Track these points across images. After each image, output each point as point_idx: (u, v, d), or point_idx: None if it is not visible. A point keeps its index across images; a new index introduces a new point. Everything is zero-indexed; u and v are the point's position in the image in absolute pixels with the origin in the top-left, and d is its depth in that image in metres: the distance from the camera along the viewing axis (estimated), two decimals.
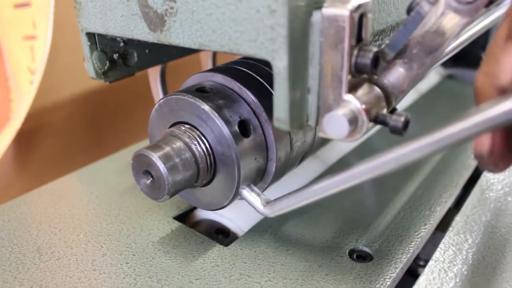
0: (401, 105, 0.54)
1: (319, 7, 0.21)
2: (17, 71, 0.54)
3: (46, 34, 0.50)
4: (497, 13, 0.48)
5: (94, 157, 0.50)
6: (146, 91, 0.41)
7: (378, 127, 0.24)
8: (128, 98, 0.60)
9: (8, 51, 0.54)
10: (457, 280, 0.28)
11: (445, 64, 0.69)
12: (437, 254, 0.30)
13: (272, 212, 0.28)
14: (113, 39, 0.32)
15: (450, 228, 0.33)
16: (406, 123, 0.23)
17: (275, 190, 0.34)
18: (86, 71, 0.33)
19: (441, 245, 0.31)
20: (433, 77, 0.65)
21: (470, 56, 0.67)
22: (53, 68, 0.51)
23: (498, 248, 0.31)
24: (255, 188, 0.30)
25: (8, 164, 0.55)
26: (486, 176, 0.39)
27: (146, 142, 0.46)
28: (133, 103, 0.61)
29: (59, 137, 0.59)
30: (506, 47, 0.23)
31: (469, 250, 0.30)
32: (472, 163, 0.41)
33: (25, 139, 0.53)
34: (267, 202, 0.29)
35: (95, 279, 0.28)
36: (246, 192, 0.29)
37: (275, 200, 0.28)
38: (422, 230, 0.32)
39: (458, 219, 0.34)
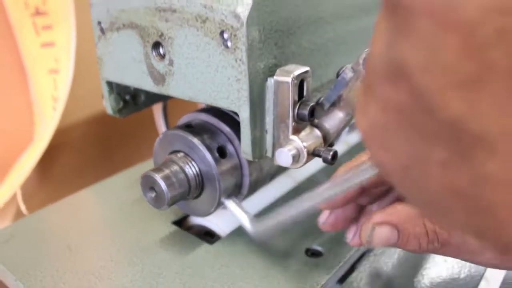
0: None
1: (272, 75, 0.31)
2: (41, 98, 0.63)
3: (68, 69, 0.59)
4: None
5: (106, 171, 0.59)
6: (150, 116, 0.51)
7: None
8: (135, 122, 0.70)
9: (34, 82, 0.64)
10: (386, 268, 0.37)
11: None
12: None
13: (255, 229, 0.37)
14: (126, 86, 0.41)
15: None
16: (334, 155, 0.32)
17: (252, 202, 0.43)
18: (98, 97, 0.42)
19: None
20: None
21: None
22: (71, 95, 0.61)
23: None
24: (237, 202, 0.39)
25: (32, 177, 0.64)
26: None
27: (149, 161, 0.55)
28: (139, 125, 0.71)
29: (75, 154, 0.69)
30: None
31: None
32: None
33: (46, 156, 0.62)
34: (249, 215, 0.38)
35: (112, 267, 0.38)
36: (228, 203, 0.39)
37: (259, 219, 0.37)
38: None
39: None
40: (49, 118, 0.61)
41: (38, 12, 0.58)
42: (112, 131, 0.70)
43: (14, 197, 0.58)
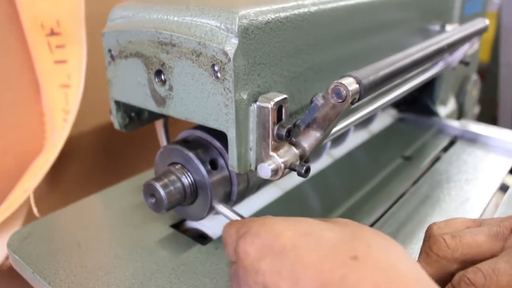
0: (354, 143, 0.69)
1: (255, 101, 0.37)
2: (53, 110, 0.69)
3: (78, 84, 0.65)
4: (435, 69, 0.64)
5: (111, 178, 0.65)
6: (152, 129, 0.56)
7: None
8: (138, 133, 0.75)
9: (46, 95, 0.69)
10: None
11: (400, 109, 0.84)
12: None
13: None
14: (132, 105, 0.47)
15: None
16: (307, 170, 0.38)
17: (242, 208, 0.49)
18: (105, 109, 0.48)
19: None
20: (387, 119, 0.80)
21: (419, 103, 0.82)
22: (80, 107, 0.66)
23: None
24: (225, 205, 0.45)
25: (42, 183, 0.69)
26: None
27: (150, 171, 0.61)
28: (142, 137, 0.76)
29: (83, 162, 0.74)
30: None
31: None
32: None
33: (55, 163, 0.68)
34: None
35: (116, 263, 0.43)
36: (219, 207, 0.44)
37: None
38: None
39: None
40: (60, 128, 0.67)
41: (52, 33, 0.64)
42: (117, 141, 0.76)
43: (25, 200, 0.63)
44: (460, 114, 0.88)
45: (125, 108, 0.47)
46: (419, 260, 0.37)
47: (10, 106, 0.65)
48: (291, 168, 0.38)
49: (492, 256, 0.36)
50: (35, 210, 0.63)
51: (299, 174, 0.38)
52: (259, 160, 0.38)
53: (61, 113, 0.68)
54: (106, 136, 0.74)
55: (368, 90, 0.37)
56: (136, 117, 0.49)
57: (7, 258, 0.62)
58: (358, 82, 0.36)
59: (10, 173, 0.66)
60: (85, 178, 0.74)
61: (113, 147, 0.77)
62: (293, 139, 0.39)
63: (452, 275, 0.36)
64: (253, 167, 0.39)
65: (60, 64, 0.66)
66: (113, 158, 0.78)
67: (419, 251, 0.39)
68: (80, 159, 0.73)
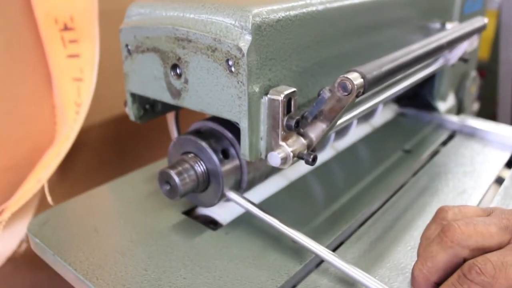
0: (356, 136, 0.71)
1: (266, 93, 0.39)
2: (65, 103, 0.71)
3: (91, 78, 0.67)
4: (434, 66, 0.66)
5: (119, 170, 0.67)
6: (160, 121, 0.58)
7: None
8: (148, 125, 0.78)
9: (58, 88, 0.71)
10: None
11: (401, 104, 0.86)
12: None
13: None
14: (147, 97, 0.49)
15: None
16: (314, 158, 0.40)
17: (250, 196, 0.51)
18: (116, 102, 0.50)
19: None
20: (388, 113, 0.82)
21: (420, 99, 0.84)
22: (92, 99, 0.68)
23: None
24: (236, 192, 0.47)
25: (53, 174, 0.71)
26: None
27: (162, 161, 0.64)
28: (151, 129, 0.79)
29: (93, 153, 0.77)
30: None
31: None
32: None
33: (66, 154, 0.70)
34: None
35: (132, 246, 0.46)
36: (230, 194, 0.47)
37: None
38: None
39: None
40: (72, 121, 0.69)
41: (66, 28, 0.66)
42: (127, 133, 0.78)
43: (37, 191, 0.65)
44: (459, 109, 0.90)
45: (141, 100, 0.50)
46: (433, 244, 0.39)
47: (23, 99, 0.67)
48: (299, 156, 0.41)
49: (499, 247, 0.37)
50: (49, 199, 0.65)
51: (307, 162, 0.40)
52: (269, 149, 0.40)
53: (73, 106, 0.70)
54: (115, 129, 0.77)
55: (372, 84, 0.39)
56: (150, 109, 0.51)
57: (19, 246, 0.65)
58: (363, 77, 0.39)
59: (22, 164, 0.68)
60: (94, 169, 0.76)
61: (122, 139, 0.79)
62: (301, 130, 0.41)
63: (461, 260, 0.37)
64: (263, 156, 0.41)
65: (73, 58, 0.68)
66: (122, 150, 0.80)
67: (422, 230, 0.42)
68: (90, 150, 0.75)
